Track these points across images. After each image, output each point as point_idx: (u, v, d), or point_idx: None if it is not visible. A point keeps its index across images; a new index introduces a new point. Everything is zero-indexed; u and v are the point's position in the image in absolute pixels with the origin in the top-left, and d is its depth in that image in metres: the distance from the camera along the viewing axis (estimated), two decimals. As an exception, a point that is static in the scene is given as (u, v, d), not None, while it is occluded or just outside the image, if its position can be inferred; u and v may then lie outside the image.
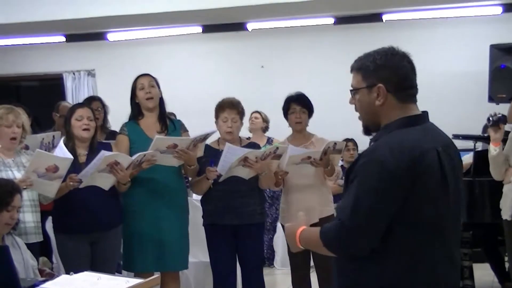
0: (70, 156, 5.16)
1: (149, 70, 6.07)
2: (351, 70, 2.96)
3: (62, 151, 5.21)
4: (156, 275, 5.27)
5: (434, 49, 10.35)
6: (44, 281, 3.93)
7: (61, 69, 11.41)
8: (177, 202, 5.85)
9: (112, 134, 6.75)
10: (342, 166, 9.49)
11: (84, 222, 5.43)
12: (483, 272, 7.60)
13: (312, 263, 6.10)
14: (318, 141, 6.17)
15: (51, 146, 6.10)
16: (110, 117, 7.44)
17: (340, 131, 9.26)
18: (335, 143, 6.01)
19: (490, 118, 5.63)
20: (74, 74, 11.39)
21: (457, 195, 2.90)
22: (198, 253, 6.80)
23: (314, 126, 6.35)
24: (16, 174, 5.19)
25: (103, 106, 7.23)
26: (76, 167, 5.32)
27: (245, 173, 5.75)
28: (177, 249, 5.81)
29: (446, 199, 2.81)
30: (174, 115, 8.83)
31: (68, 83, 11.39)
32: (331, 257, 2.91)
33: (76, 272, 4.00)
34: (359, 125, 3.05)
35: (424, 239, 2.75)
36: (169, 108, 6.10)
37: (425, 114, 2.92)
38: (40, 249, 5.88)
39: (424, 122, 2.90)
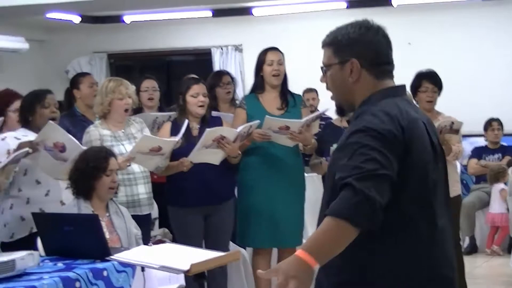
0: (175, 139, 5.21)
1: (291, 46, 6.01)
2: (322, 46, 2.70)
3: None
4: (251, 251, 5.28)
5: None
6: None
7: (209, 44, 11.53)
8: (293, 178, 5.81)
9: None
10: (486, 146, 9.13)
11: (198, 195, 5.48)
12: None
13: None
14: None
15: None
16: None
17: (486, 110, 8.88)
18: (452, 123, 5.81)
19: None
20: (222, 49, 11.49)
21: (444, 167, 2.69)
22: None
23: (460, 105, 6.17)
24: (127, 148, 5.28)
25: (232, 80, 7.27)
26: (189, 140, 5.39)
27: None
28: (292, 226, 5.76)
29: (437, 169, 2.60)
30: (316, 92, 8.79)
31: (216, 58, 11.51)
32: None
33: (190, 244, 4.04)
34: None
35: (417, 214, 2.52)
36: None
37: (404, 86, 2.72)
38: (165, 221, 5.99)
39: (404, 94, 2.70)
